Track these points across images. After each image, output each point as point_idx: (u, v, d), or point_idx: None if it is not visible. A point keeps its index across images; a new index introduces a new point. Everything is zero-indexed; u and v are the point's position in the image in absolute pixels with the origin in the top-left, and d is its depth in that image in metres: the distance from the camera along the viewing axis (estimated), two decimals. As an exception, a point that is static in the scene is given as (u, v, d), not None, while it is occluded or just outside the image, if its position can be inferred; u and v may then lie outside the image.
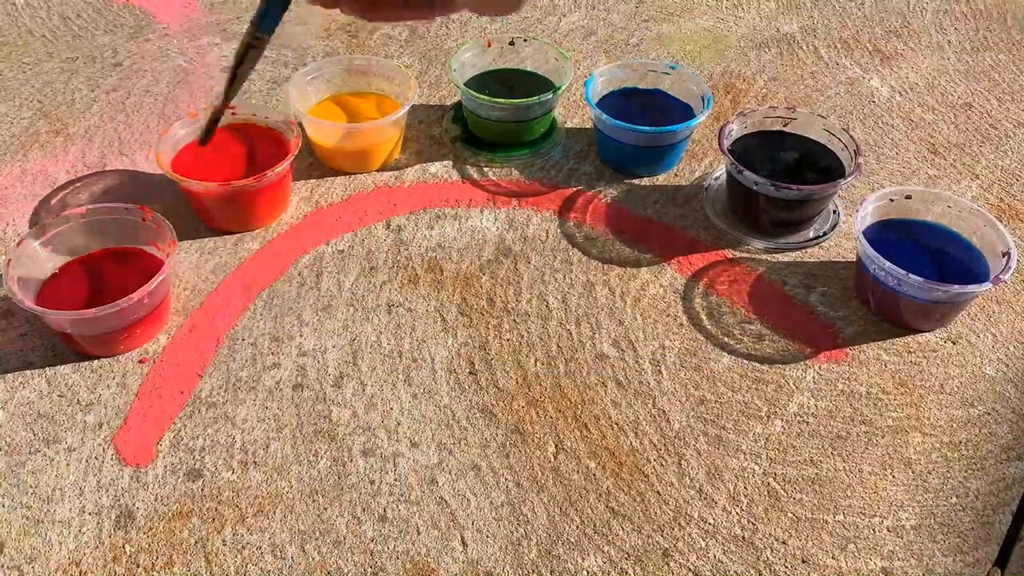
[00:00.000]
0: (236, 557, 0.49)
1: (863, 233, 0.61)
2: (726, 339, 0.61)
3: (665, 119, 0.72)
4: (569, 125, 0.79)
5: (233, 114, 0.70)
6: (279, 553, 0.49)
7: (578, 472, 0.53)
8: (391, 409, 0.56)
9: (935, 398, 0.58)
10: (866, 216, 0.63)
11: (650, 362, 0.60)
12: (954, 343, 0.61)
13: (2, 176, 0.72)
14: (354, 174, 0.73)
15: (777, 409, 0.57)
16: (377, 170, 0.74)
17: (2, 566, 0.48)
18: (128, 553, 0.49)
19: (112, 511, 0.51)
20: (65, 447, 0.54)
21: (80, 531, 0.50)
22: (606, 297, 0.64)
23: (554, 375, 0.59)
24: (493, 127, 0.75)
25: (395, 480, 0.53)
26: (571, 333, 0.61)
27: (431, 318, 0.62)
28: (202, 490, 0.52)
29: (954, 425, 0.57)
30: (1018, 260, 0.59)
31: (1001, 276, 0.58)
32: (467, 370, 0.59)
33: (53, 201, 0.70)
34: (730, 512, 0.52)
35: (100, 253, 0.62)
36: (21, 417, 0.55)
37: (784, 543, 0.50)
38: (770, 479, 0.53)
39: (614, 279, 0.65)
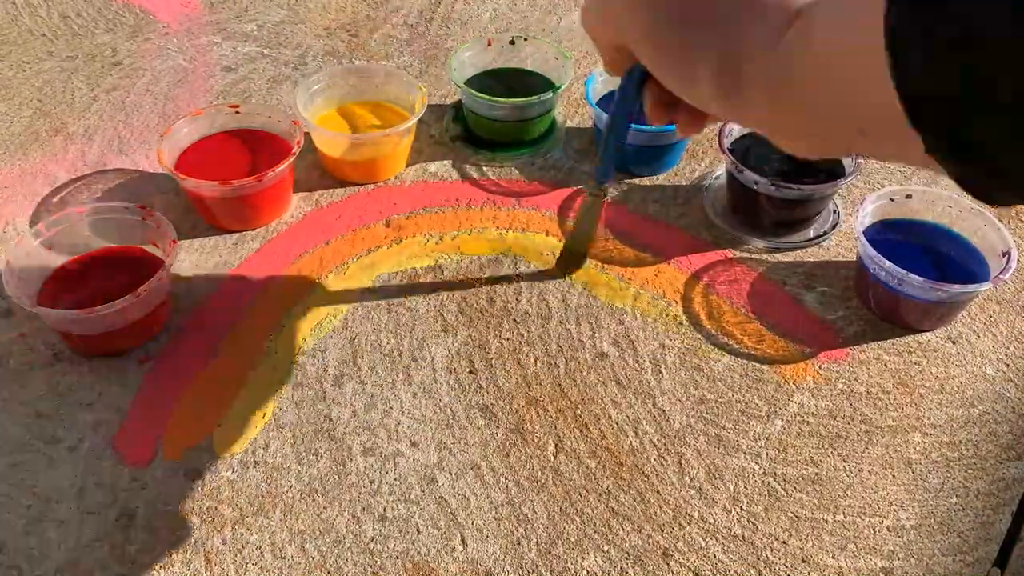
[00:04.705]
0: (236, 556, 0.49)
1: (863, 233, 0.61)
2: (726, 339, 0.61)
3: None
4: (569, 125, 0.79)
5: (237, 113, 0.70)
6: (278, 553, 0.49)
7: (578, 472, 0.53)
8: (391, 408, 0.56)
9: (935, 398, 0.58)
10: (866, 216, 0.63)
11: (650, 362, 0.60)
12: (954, 343, 0.61)
13: (2, 175, 0.72)
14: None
15: (777, 409, 0.57)
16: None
17: (2, 566, 0.48)
18: (128, 553, 0.49)
19: (112, 511, 0.51)
20: (65, 447, 0.54)
21: (80, 531, 0.50)
22: (606, 296, 0.64)
23: (554, 375, 0.59)
24: (493, 126, 0.75)
25: (395, 480, 0.53)
26: (571, 332, 0.61)
27: (431, 317, 0.62)
28: (201, 489, 0.52)
29: (954, 425, 0.57)
30: (1018, 260, 0.59)
31: (1001, 276, 0.58)
32: (467, 369, 0.59)
33: (53, 200, 0.70)
34: (730, 512, 0.52)
35: (100, 252, 0.62)
36: (21, 417, 0.55)
37: (784, 543, 0.50)
38: (770, 478, 0.53)
39: (614, 279, 0.65)
